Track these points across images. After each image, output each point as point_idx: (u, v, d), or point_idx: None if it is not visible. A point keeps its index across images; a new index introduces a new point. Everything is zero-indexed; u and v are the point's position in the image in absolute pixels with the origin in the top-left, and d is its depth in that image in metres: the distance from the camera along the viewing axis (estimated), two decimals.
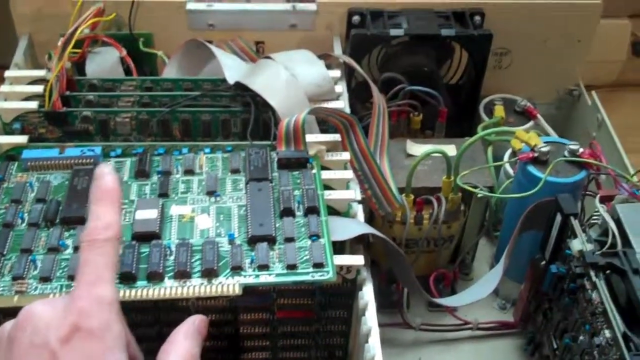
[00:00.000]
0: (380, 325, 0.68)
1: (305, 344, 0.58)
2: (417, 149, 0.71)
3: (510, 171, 0.71)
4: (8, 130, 0.63)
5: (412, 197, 0.67)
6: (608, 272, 0.54)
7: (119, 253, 0.46)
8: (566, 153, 0.63)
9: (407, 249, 0.69)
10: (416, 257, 0.69)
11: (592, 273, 0.54)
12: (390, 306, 0.70)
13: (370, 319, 0.52)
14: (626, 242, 0.55)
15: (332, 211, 0.57)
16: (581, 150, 0.62)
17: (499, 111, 0.77)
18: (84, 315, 0.39)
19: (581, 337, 0.55)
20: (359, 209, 0.58)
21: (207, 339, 0.54)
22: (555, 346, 0.61)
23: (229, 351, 0.57)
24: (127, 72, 0.71)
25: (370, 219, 0.67)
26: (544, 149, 0.63)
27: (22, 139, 0.61)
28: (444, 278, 0.71)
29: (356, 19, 0.74)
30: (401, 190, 0.65)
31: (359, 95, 0.75)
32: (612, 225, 0.56)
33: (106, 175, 0.45)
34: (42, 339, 0.39)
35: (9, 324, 0.41)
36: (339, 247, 0.55)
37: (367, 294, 0.53)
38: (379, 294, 0.70)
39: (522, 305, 0.66)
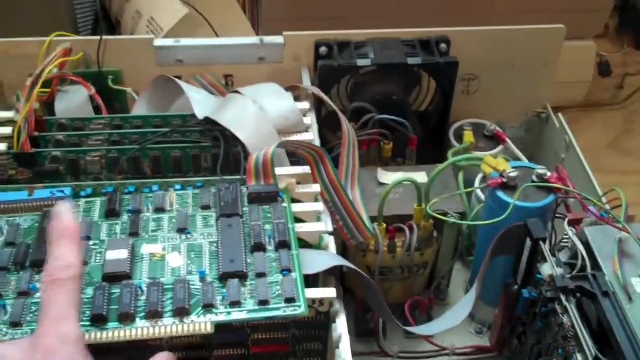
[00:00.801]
0: (358, 354, 0.69)
1: None
2: (389, 177, 0.71)
3: (482, 196, 0.71)
4: None
5: (385, 225, 0.67)
6: (579, 295, 0.55)
7: (81, 291, 0.45)
8: (534, 177, 0.63)
9: (382, 277, 0.69)
10: (391, 285, 0.70)
11: (562, 297, 0.54)
12: (368, 334, 0.71)
13: (345, 351, 0.52)
14: (595, 265, 0.56)
15: (304, 244, 0.57)
16: (549, 174, 0.63)
17: (469, 136, 0.78)
18: (48, 353, 0.39)
19: None
20: (330, 241, 0.58)
21: None
22: None
23: None
24: (97, 110, 0.71)
25: (344, 249, 0.68)
26: (512, 174, 0.63)
27: None
28: (420, 305, 0.72)
29: (323, 50, 0.75)
30: (373, 219, 0.66)
31: (330, 125, 0.75)
32: (581, 248, 0.56)
33: (63, 213, 0.45)
34: None
35: None
36: (312, 280, 0.55)
37: (341, 326, 0.53)
38: (356, 323, 0.72)
39: (497, 329, 0.67)
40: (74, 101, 0.71)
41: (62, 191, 0.58)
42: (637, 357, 0.49)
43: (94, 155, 0.64)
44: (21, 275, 0.51)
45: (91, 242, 0.54)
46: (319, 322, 0.55)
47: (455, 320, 0.63)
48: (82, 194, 0.59)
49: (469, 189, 0.70)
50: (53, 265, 0.42)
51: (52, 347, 0.39)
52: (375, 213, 0.66)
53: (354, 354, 0.64)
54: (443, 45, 0.76)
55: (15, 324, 0.48)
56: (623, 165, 0.95)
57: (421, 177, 0.70)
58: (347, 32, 0.76)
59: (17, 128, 0.63)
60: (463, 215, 0.69)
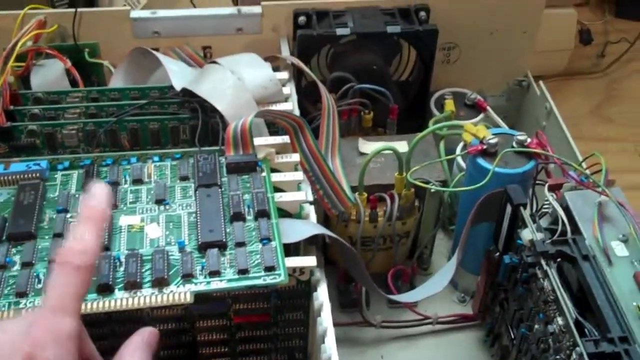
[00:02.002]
0: (341, 324, 0.69)
1: (264, 347, 0.58)
2: (369, 146, 0.71)
3: (463, 164, 0.71)
4: None
5: (366, 195, 0.67)
6: (559, 260, 0.55)
7: (90, 281, 0.43)
8: (514, 144, 0.63)
9: (364, 247, 0.69)
10: (373, 254, 0.70)
11: (543, 262, 0.54)
12: (351, 305, 0.71)
13: (326, 319, 0.52)
14: (576, 229, 0.56)
15: (284, 213, 0.57)
16: (529, 140, 0.63)
17: (449, 105, 0.78)
18: (38, 347, 0.38)
19: (536, 326, 0.56)
20: (311, 210, 0.58)
21: (163, 348, 0.54)
22: (512, 336, 0.61)
23: (188, 359, 0.57)
24: (74, 83, 0.71)
25: (325, 219, 0.67)
26: (492, 141, 0.63)
27: None
28: (403, 274, 0.72)
29: (302, 19, 0.74)
30: (354, 189, 0.65)
31: (310, 95, 0.75)
32: (561, 213, 0.56)
33: (99, 195, 0.43)
34: None
35: None
36: (293, 249, 0.55)
37: (322, 295, 0.53)
38: (339, 294, 0.72)
39: (479, 297, 0.67)
40: (50, 75, 0.70)
41: (38, 164, 0.57)
42: (616, 319, 0.50)
43: (70, 129, 0.63)
44: None
45: (68, 215, 0.53)
46: (300, 291, 0.55)
47: (437, 287, 0.63)
48: (59, 167, 0.58)
49: (450, 156, 0.70)
50: (70, 244, 0.41)
51: (42, 341, 0.38)
52: (356, 183, 0.66)
53: (337, 325, 0.64)
54: (422, 14, 0.75)
55: None
56: (604, 132, 0.95)
57: (402, 146, 0.69)
58: (326, 1, 0.76)
59: None
60: (444, 184, 0.69)
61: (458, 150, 0.72)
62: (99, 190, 0.43)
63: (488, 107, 0.79)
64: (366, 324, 0.69)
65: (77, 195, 0.55)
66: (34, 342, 0.38)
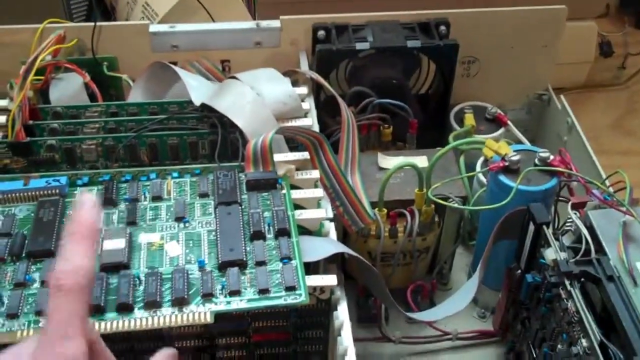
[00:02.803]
0: (360, 340, 0.68)
1: None
2: (389, 161, 0.70)
3: (484, 180, 0.70)
4: None
5: (385, 210, 0.66)
6: (583, 280, 0.54)
7: (91, 297, 0.43)
8: (536, 161, 0.62)
9: (384, 263, 0.69)
10: (392, 270, 0.69)
11: (566, 282, 0.53)
12: (370, 320, 0.70)
13: (346, 339, 0.51)
14: (600, 248, 0.55)
15: (304, 231, 0.56)
16: (551, 157, 0.62)
17: (470, 119, 0.77)
18: None
19: (559, 346, 0.55)
20: (331, 227, 0.58)
21: None
22: (534, 355, 0.60)
23: None
24: (92, 97, 0.70)
25: (345, 234, 0.67)
26: (514, 158, 0.62)
27: None
28: (422, 290, 0.71)
29: (321, 34, 0.74)
30: (374, 204, 0.65)
31: (329, 110, 0.75)
32: (585, 232, 0.56)
33: (85, 205, 0.40)
34: None
35: None
36: (313, 267, 0.54)
37: (342, 314, 0.53)
38: (358, 308, 0.71)
39: (500, 314, 0.66)
40: (69, 88, 0.70)
41: (57, 180, 0.57)
42: None
43: (89, 143, 0.63)
44: (17, 266, 0.51)
45: None
46: (320, 309, 0.54)
47: (458, 306, 0.62)
48: (79, 182, 0.58)
49: (471, 173, 0.69)
50: (60, 267, 0.39)
51: None
52: (376, 198, 0.65)
53: (355, 340, 0.64)
54: (442, 28, 0.75)
55: (11, 315, 0.48)
56: (626, 145, 0.94)
57: (422, 161, 0.69)
58: (345, 15, 0.75)
59: (11, 117, 0.62)
60: (465, 200, 0.69)
61: (478, 166, 0.72)
62: (86, 200, 0.41)
63: (509, 121, 0.78)
64: (385, 340, 0.68)
65: None
66: None
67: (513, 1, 0.79)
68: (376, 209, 0.65)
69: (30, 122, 0.64)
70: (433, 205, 0.66)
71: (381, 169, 0.70)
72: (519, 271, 0.61)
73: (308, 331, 0.56)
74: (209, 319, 0.48)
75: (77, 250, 0.39)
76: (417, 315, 0.65)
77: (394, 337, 0.69)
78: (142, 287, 0.49)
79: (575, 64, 0.97)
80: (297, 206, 0.57)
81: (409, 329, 0.70)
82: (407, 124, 0.75)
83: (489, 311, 0.72)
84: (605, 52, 1.02)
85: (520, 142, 0.76)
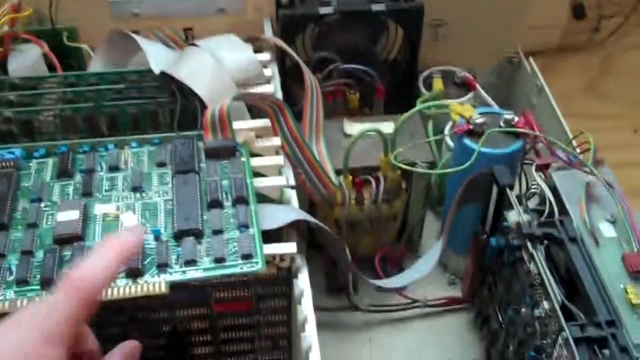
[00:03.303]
0: (329, 309, 0.68)
1: (247, 335, 0.57)
2: (355, 128, 0.69)
3: (452, 144, 0.70)
4: None
5: (351, 177, 0.65)
6: (546, 242, 0.53)
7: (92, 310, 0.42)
8: (501, 123, 0.62)
9: (351, 231, 0.68)
10: (360, 237, 0.68)
11: (529, 244, 0.53)
12: (339, 289, 0.69)
13: (306, 308, 0.51)
14: (563, 210, 0.55)
15: (265, 199, 0.56)
16: (516, 119, 0.61)
17: (438, 84, 0.76)
18: None
19: (523, 310, 0.54)
20: (292, 195, 0.57)
21: (146, 337, 0.53)
22: (501, 319, 0.60)
23: (171, 348, 0.56)
24: (52, 68, 0.69)
25: (311, 203, 0.66)
26: (479, 121, 0.62)
27: None
28: (390, 257, 0.70)
29: None
30: (339, 172, 0.64)
31: (295, 76, 0.73)
32: (548, 193, 0.55)
33: (134, 234, 0.44)
34: None
35: None
36: (276, 235, 0.54)
37: (303, 282, 0.52)
38: (327, 278, 0.70)
39: (468, 279, 0.66)
40: (27, 60, 0.68)
41: (12, 152, 0.56)
42: (603, 302, 0.48)
43: (47, 115, 0.62)
44: None
45: (42, 204, 0.52)
46: (281, 278, 0.54)
47: (424, 271, 0.62)
48: (35, 154, 0.57)
49: (436, 137, 0.69)
50: (81, 266, 0.40)
51: None
52: (342, 165, 0.65)
53: (324, 309, 0.64)
54: None
55: None
56: (598, 109, 0.93)
57: (388, 127, 0.68)
58: None
59: None
60: (432, 165, 0.68)
61: (446, 130, 0.71)
62: (138, 231, 0.46)
63: (477, 85, 0.77)
64: (354, 309, 0.68)
65: (51, 184, 0.54)
66: None
67: None
68: (341, 176, 0.64)
69: None
70: (399, 172, 0.66)
71: (347, 135, 0.69)
72: (485, 235, 0.60)
73: (271, 301, 0.55)
74: (164, 289, 0.47)
75: (103, 262, 0.40)
76: (382, 283, 0.64)
77: (363, 305, 0.68)
78: None
79: (547, 27, 0.96)
80: (258, 174, 0.56)
81: (379, 297, 0.70)
82: (374, 90, 0.74)
83: (458, 277, 0.72)
84: (578, 14, 1.01)
85: (489, 106, 0.75)
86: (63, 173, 0.55)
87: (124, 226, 0.51)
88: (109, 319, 0.53)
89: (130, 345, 0.46)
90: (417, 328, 0.69)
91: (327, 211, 0.67)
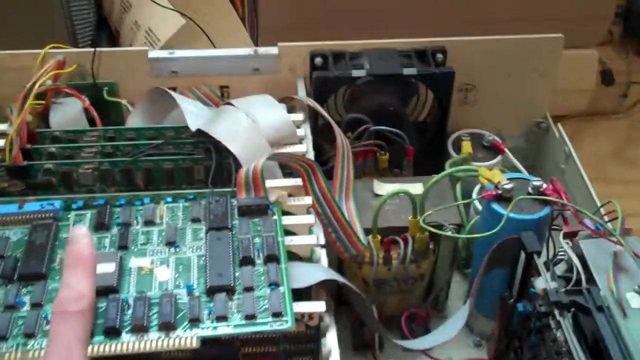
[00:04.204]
0: None
1: None
2: (384, 188, 0.70)
3: (480, 207, 0.70)
4: None
5: (379, 237, 0.66)
6: (574, 310, 0.54)
7: (91, 323, 0.44)
8: (530, 189, 0.62)
9: (378, 289, 0.68)
10: (387, 297, 0.69)
11: (556, 312, 0.53)
12: (364, 347, 0.70)
13: None
14: (590, 278, 0.55)
15: (295, 257, 0.57)
16: (544, 186, 0.62)
17: (467, 147, 0.77)
18: None
19: None
20: (322, 254, 0.58)
21: None
22: None
23: None
24: (92, 122, 0.71)
25: (340, 261, 0.67)
26: (507, 186, 0.62)
27: None
28: (417, 317, 0.71)
29: (318, 60, 0.75)
30: (368, 231, 0.65)
31: (327, 135, 0.75)
32: (576, 261, 0.56)
33: (81, 239, 0.44)
34: None
35: None
36: (305, 293, 0.54)
37: (331, 341, 0.53)
38: (353, 335, 0.71)
39: (494, 343, 0.66)
40: (68, 113, 0.71)
41: (52, 204, 0.58)
42: None
43: (86, 167, 0.64)
44: (8, 288, 0.51)
45: None
46: (309, 336, 0.54)
47: (450, 333, 0.62)
48: (74, 206, 0.59)
49: (466, 201, 0.69)
50: (64, 294, 0.41)
51: None
52: (371, 225, 0.66)
53: None
54: (439, 55, 0.75)
55: (0, 338, 0.48)
56: (627, 174, 0.94)
57: (417, 188, 0.69)
58: (342, 43, 0.76)
59: (8, 140, 0.63)
60: (460, 227, 0.68)
61: (474, 194, 0.72)
62: (80, 233, 0.44)
63: (506, 149, 0.78)
64: None
65: None
66: None
67: (512, 29, 0.79)
68: (370, 235, 0.65)
69: (28, 145, 0.65)
70: (427, 233, 0.66)
71: (376, 195, 0.70)
72: (512, 300, 0.61)
73: (298, 357, 0.56)
74: (195, 344, 0.48)
75: (79, 279, 0.42)
76: (409, 344, 0.64)
77: None
78: (130, 311, 0.49)
79: (576, 92, 0.97)
80: (289, 232, 0.57)
81: (404, 357, 0.70)
82: (404, 151, 0.75)
83: (484, 339, 0.72)
84: (607, 80, 1.03)
85: (517, 170, 0.76)
86: (100, 226, 0.56)
87: (157, 280, 0.52)
88: None
89: None
90: None
91: (355, 270, 0.68)
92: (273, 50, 0.75)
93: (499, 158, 0.78)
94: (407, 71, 0.73)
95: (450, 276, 0.73)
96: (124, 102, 0.74)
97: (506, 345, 0.64)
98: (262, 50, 0.75)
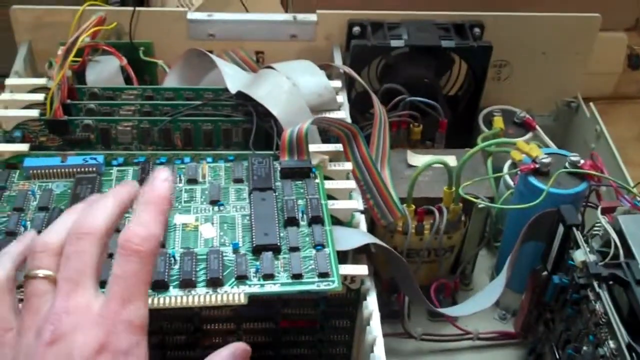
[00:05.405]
0: (382, 335, 0.69)
1: (308, 353, 0.58)
2: (418, 159, 0.71)
3: (510, 182, 0.71)
4: (9, 139, 0.63)
5: (414, 207, 0.67)
6: (611, 283, 0.54)
7: (156, 267, 0.44)
8: (567, 164, 0.63)
9: (408, 259, 0.69)
10: (417, 267, 0.69)
11: (595, 284, 0.54)
12: (391, 316, 0.70)
13: (375, 329, 0.52)
14: (629, 253, 0.55)
15: (335, 221, 0.57)
16: (582, 161, 0.63)
17: (498, 122, 0.78)
18: (112, 336, 0.37)
19: (585, 348, 0.55)
20: (361, 219, 0.58)
21: (210, 347, 0.54)
22: (557, 356, 0.60)
23: None
24: (128, 81, 0.71)
25: (371, 229, 0.67)
26: (546, 160, 0.63)
27: (23, 147, 0.60)
28: (445, 288, 0.71)
29: (356, 29, 0.75)
30: (402, 201, 0.65)
31: (359, 105, 0.75)
32: (614, 236, 0.56)
33: (164, 180, 0.41)
34: (67, 352, 0.37)
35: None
36: (342, 257, 0.55)
37: (372, 304, 0.53)
38: (381, 304, 0.71)
39: (522, 315, 0.66)
40: (105, 71, 0.71)
41: (94, 158, 0.58)
42: None
43: (125, 125, 0.64)
44: None
45: None
46: (348, 299, 0.55)
47: (484, 304, 0.63)
48: (114, 162, 0.59)
49: (499, 174, 0.70)
50: (135, 230, 0.39)
51: (115, 330, 0.37)
52: (404, 195, 0.66)
53: None
54: (477, 30, 0.75)
55: None
56: None
57: (450, 160, 0.69)
58: (381, 13, 0.76)
59: (50, 95, 0.63)
60: (491, 200, 0.69)
61: (505, 169, 0.72)
62: (163, 176, 0.41)
63: (537, 126, 0.78)
64: (407, 336, 0.69)
65: None
66: (107, 331, 0.38)
67: (547, 7, 0.79)
68: (404, 204, 0.66)
69: (68, 101, 0.65)
70: (461, 204, 0.67)
71: (410, 166, 0.71)
72: (545, 273, 0.61)
73: (335, 320, 0.56)
74: (243, 300, 0.48)
75: (152, 218, 0.39)
76: (443, 310, 0.65)
77: (416, 333, 0.69)
78: (177, 266, 0.50)
79: (603, 74, 0.98)
80: (329, 196, 0.57)
81: (431, 327, 0.71)
82: (437, 123, 0.75)
83: (509, 313, 0.72)
84: (634, 64, 1.03)
85: (548, 147, 0.76)
86: (143, 181, 0.56)
87: (202, 237, 0.52)
88: (175, 327, 0.55)
89: (242, 348, 0.45)
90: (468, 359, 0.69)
91: (387, 238, 0.68)
92: (312, 17, 0.75)
93: (529, 135, 0.78)
94: (445, 43, 0.73)
95: (479, 250, 0.74)
96: (160, 62, 0.74)
97: (536, 317, 0.65)
98: (300, 16, 0.75)
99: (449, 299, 0.72)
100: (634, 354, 0.50)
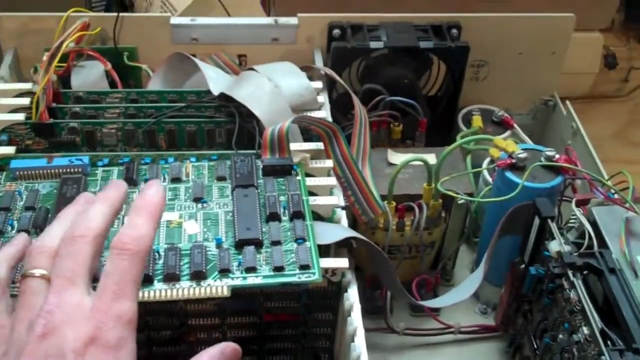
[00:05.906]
0: (365, 330, 0.70)
1: (291, 347, 0.59)
2: (398, 157, 0.72)
3: (489, 179, 0.72)
4: None
5: (394, 204, 0.68)
6: (585, 272, 0.56)
7: (144, 269, 0.46)
8: (542, 159, 0.64)
9: (390, 255, 0.70)
10: (398, 263, 0.71)
11: (570, 273, 0.55)
12: (374, 311, 0.71)
13: (356, 320, 0.53)
14: (602, 243, 0.57)
15: (317, 217, 0.58)
16: (557, 156, 0.64)
17: (477, 121, 0.79)
18: (102, 330, 0.39)
19: (560, 336, 0.57)
20: (342, 215, 0.60)
21: (195, 343, 0.56)
22: (535, 346, 0.62)
23: None
24: (112, 85, 0.72)
25: (353, 226, 0.68)
26: (521, 155, 0.64)
27: (9, 149, 0.62)
28: (426, 284, 0.73)
29: (337, 32, 0.76)
30: (383, 198, 0.67)
31: (340, 106, 0.77)
32: (588, 227, 0.58)
33: (155, 188, 0.46)
34: (58, 345, 0.38)
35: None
36: (323, 252, 0.56)
37: (353, 296, 0.54)
38: (363, 300, 0.72)
39: (502, 308, 0.68)
40: (90, 76, 0.72)
41: (80, 159, 0.59)
42: None
43: (110, 127, 0.65)
44: None
45: None
46: (330, 291, 0.56)
47: (463, 295, 0.64)
48: (99, 163, 0.60)
49: (478, 169, 0.71)
50: (127, 232, 0.42)
51: (105, 324, 0.39)
52: (385, 192, 0.67)
53: None
54: (454, 31, 0.77)
55: None
56: (628, 155, 0.96)
57: (430, 158, 0.70)
58: (360, 15, 0.77)
59: (35, 99, 0.64)
60: (471, 197, 0.70)
61: (485, 165, 0.74)
62: (155, 184, 0.46)
63: (515, 124, 0.80)
64: (389, 331, 0.70)
65: None
66: (97, 325, 0.39)
67: (522, 8, 0.81)
68: (385, 201, 0.67)
69: (54, 104, 0.66)
70: (440, 200, 0.68)
71: (390, 164, 0.72)
72: (523, 265, 0.63)
73: (318, 313, 0.58)
74: (226, 292, 0.49)
75: (144, 221, 0.43)
76: (422, 302, 0.66)
77: (398, 328, 0.70)
78: (161, 261, 0.51)
79: (580, 74, 0.99)
80: (310, 193, 0.59)
81: (413, 322, 0.72)
82: (417, 122, 0.77)
83: (490, 307, 0.74)
84: (610, 64, 1.05)
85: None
86: (128, 181, 0.57)
87: (186, 233, 0.54)
88: (161, 322, 0.56)
89: (232, 347, 0.47)
90: (450, 353, 0.70)
91: (368, 234, 0.69)
92: (293, 20, 0.77)
93: (508, 133, 0.80)
94: (423, 44, 0.75)
95: (459, 245, 0.75)
96: (144, 66, 0.75)
97: (515, 310, 0.66)
98: (282, 20, 0.77)
99: (430, 294, 0.73)
100: (607, 340, 0.51)
